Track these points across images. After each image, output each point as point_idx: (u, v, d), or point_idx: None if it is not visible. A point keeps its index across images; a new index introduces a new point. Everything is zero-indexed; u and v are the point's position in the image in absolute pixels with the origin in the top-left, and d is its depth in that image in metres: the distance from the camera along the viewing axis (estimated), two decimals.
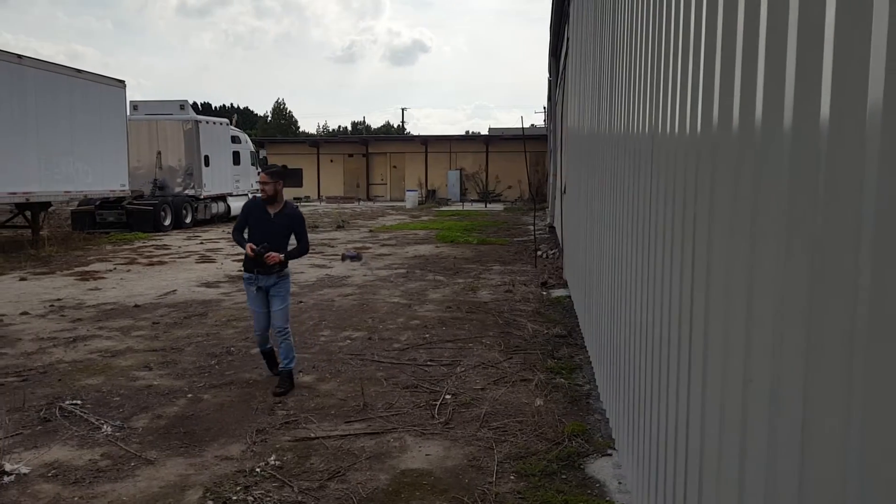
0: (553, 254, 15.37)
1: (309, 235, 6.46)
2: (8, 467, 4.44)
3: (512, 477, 4.40)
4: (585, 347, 7.37)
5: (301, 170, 36.23)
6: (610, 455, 4.73)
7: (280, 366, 6.29)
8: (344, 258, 15.30)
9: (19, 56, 16.67)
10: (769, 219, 1.80)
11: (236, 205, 26.56)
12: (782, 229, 1.70)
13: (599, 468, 4.55)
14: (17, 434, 5.09)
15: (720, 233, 2.24)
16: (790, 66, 1.65)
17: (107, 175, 19.69)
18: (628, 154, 4.38)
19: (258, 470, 4.49)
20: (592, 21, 7.32)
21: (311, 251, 16.45)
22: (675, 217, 2.90)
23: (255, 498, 4.11)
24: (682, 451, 2.74)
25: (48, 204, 18.43)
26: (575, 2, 10.31)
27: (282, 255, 6.12)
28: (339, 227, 23.58)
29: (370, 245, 18.11)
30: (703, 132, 2.46)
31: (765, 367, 1.81)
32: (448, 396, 5.89)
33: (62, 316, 9.23)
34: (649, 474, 3.51)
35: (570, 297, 10.18)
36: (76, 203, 21.32)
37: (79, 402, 5.79)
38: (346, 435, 5.09)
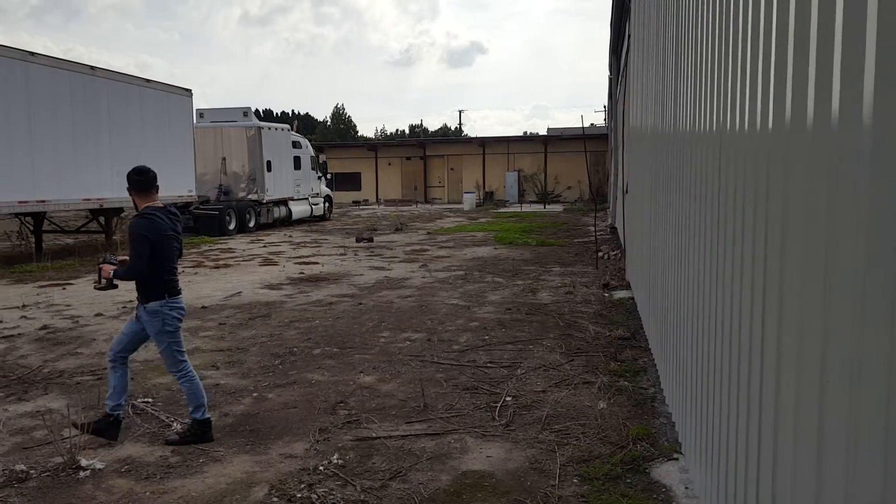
0: (615, 255, 15.14)
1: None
2: (84, 463, 4.62)
3: (575, 480, 4.35)
4: (650, 350, 7.23)
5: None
6: (676, 459, 4.63)
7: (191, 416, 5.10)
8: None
9: (92, 67, 17.37)
10: (847, 218, 1.72)
11: (298, 209, 27.10)
12: (862, 229, 1.63)
13: (665, 472, 4.46)
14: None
15: (794, 232, 2.17)
16: (869, 57, 1.57)
17: (175, 181, 20.31)
18: (695, 151, 4.28)
19: (321, 468, 4.56)
20: (655, 15, 7.18)
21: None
22: (746, 216, 2.81)
23: (318, 496, 4.17)
24: (755, 455, 2.65)
25: (120, 209, 19.11)
26: None
27: (111, 271, 5.05)
28: (398, 230, 23.77)
29: (428, 247, 18.19)
30: (774, 129, 2.38)
31: (843, 369, 1.73)
32: (508, 398, 5.86)
33: None
34: (718, 479, 3.42)
35: (632, 298, 10.01)
36: None
37: (150, 399, 5.99)
38: (407, 435, 5.12)
